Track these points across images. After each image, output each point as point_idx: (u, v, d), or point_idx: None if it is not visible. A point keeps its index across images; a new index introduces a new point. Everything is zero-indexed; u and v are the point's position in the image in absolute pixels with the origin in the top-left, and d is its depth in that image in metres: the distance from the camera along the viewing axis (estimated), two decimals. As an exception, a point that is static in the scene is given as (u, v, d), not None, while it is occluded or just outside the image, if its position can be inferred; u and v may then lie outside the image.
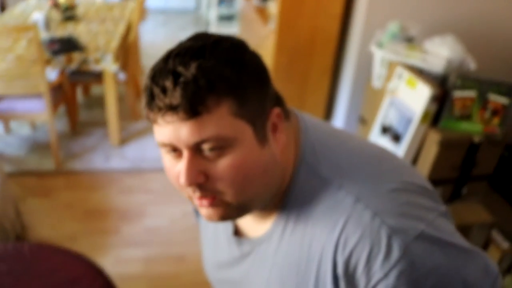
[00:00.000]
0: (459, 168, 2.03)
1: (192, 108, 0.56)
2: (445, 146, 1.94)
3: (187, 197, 0.66)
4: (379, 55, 2.25)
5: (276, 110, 0.65)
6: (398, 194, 0.63)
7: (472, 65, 2.06)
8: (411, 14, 2.49)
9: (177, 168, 0.62)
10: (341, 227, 0.61)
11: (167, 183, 2.55)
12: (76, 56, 2.57)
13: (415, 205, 0.63)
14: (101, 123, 3.20)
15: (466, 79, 1.92)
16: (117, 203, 2.51)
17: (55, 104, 2.63)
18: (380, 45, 2.24)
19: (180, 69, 0.57)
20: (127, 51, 3.01)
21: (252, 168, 0.61)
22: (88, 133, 3.12)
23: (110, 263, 2.11)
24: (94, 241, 2.26)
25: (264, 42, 2.85)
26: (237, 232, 0.78)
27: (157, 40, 4.90)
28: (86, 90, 3.53)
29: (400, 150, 2.02)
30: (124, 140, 3.05)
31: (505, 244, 2.11)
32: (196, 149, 0.59)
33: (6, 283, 1.47)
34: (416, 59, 2.09)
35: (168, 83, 0.56)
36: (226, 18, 5.04)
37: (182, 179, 0.60)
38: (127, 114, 3.30)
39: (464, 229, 2.04)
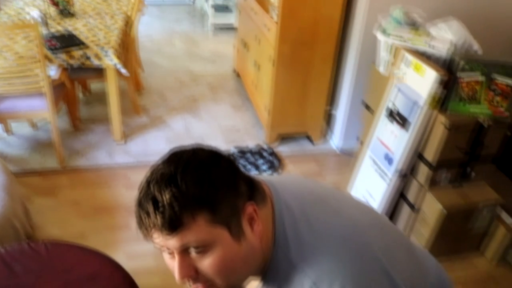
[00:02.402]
0: (467, 150, 2.04)
1: (172, 228, 0.70)
2: (453, 130, 1.95)
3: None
4: (383, 41, 2.25)
5: (250, 207, 0.76)
6: (351, 282, 0.75)
7: (476, 47, 2.07)
8: (413, -2, 2.48)
9: (173, 263, 0.75)
10: None
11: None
12: (77, 53, 2.54)
13: None
14: (102, 119, 3.18)
15: (472, 62, 1.92)
16: (124, 199, 2.51)
17: (56, 102, 2.60)
18: (384, 31, 2.24)
19: (158, 196, 0.70)
20: (127, 45, 2.99)
21: (232, 262, 0.75)
22: (89, 130, 3.10)
23: (122, 258, 2.11)
24: (104, 237, 2.26)
25: (266, 32, 2.83)
26: None
27: (153, 33, 4.85)
28: (84, 87, 3.50)
29: (408, 135, 2.03)
30: (126, 136, 3.03)
31: (513, 224, 2.14)
32: (184, 251, 0.73)
33: (25, 283, 1.46)
34: (421, 44, 2.09)
35: (150, 209, 0.70)
36: (223, 9, 5.00)
37: (176, 275, 0.74)
38: (128, 110, 3.28)
39: (472, 210, 2.07)
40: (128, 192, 2.56)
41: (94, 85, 3.62)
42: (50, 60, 2.50)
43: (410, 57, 2.05)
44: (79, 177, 2.66)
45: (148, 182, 0.73)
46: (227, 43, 4.72)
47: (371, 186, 2.28)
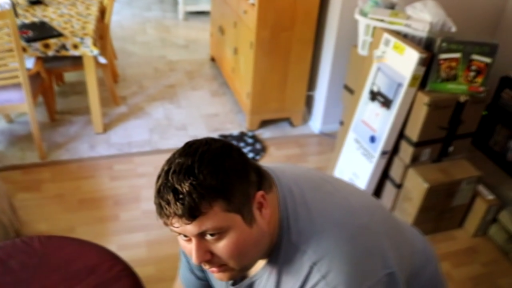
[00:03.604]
0: (447, 128, 2.13)
1: (191, 215, 0.75)
2: (434, 107, 2.02)
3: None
4: (363, 23, 2.29)
5: (259, 193, 0.83)
6: (347, 260, 0.83)
7: (453, 28, 2.14)
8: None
9: (190, 247, 0.81)
10: (301, 284, 0.85)
11: (158, 165, 2.52)
12: (53, 42, 2.47)
13: (357, 271, 0.82)
14: (81, 111, 3.12)
15: (451, 42, 1.99)
16: (111, 190, 2.48)
17: (34, 94, 2.53)
18: (363, 14, 2.28)
19: (177, 186, 0.75)
20: (103, 34, 2.92)
21: (245, 245, 0.81)
22: (68, 121, 3.03)
23: (114, 250, 2.09)
24: (93, 230, 2.24)
25: (244, 17, 2.82)
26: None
27: (123, 21, 4.75)
28: (59, 77, 3.40)
29: (390, 114, 2.09)
30: (107, 126, 2.98)
31: (490, 196, 2.25)
32: (200, 236, 0.79)
33: (23, 278, 1.45)
34: (400, 25, 2.14)
35: (170, 198, 0.75)
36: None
37: (194, 259, 0.80)
38: (105, 99, 3.22)
39: (454, 185, 2.16)
40: (113, 183, 2.53)
41: (68, 75, 3.53)
42: (24, 50, 2.42)
43: (389, 37, 2.10)
44: (62, 170, 2.61)
45: (166, 173, 0.78)
46: (200, 28, 4.67)
47: (356, 167, 2.34)
